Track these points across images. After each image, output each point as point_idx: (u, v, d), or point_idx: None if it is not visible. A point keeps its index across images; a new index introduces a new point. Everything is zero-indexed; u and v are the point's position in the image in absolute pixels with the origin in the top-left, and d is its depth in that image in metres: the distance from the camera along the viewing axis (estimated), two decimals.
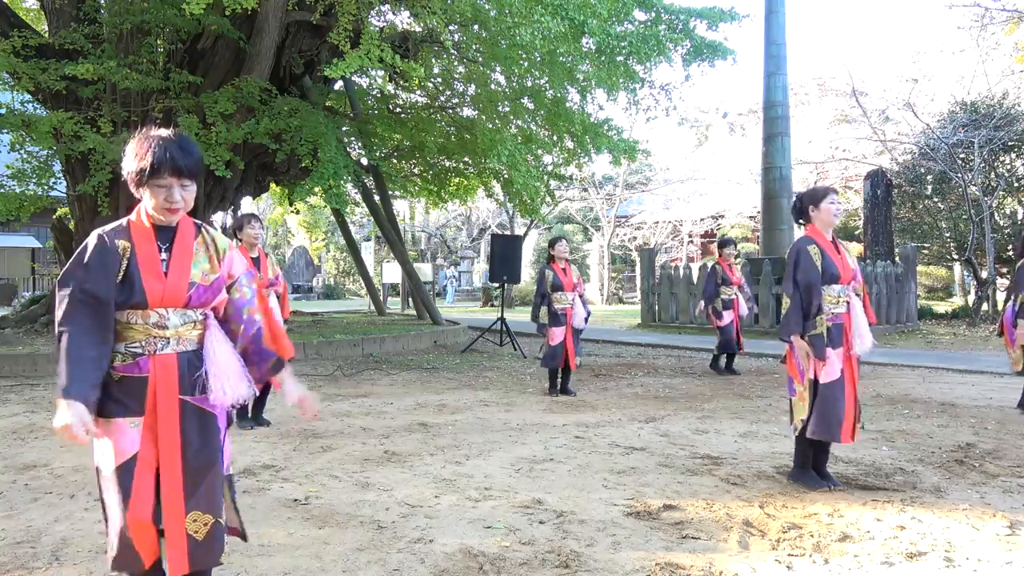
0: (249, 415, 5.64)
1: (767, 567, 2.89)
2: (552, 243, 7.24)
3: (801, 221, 4.07)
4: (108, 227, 2.19)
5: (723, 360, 8.64)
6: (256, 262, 5.33)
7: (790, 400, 4.01)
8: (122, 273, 2.11)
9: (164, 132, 2.18)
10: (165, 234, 2.21)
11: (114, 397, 2.12)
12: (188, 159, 2.14)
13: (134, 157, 2.14)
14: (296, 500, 3.72)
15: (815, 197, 3.98)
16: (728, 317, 8.35)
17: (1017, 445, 4.95)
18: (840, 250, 3.94)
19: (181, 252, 2.21)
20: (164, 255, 2.19)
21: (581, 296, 7.09)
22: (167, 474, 2.13)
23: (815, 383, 3.82)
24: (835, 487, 3.90)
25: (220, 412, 2.28)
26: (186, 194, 2.18)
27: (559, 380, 7.14)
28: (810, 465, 3.95)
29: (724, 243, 8.72)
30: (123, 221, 2.22)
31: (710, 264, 8.89)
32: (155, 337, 2.16)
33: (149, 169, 2.10)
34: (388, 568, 2.86)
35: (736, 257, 9.37)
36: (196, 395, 2.19)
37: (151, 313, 2.15)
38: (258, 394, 5.52)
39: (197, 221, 2.31)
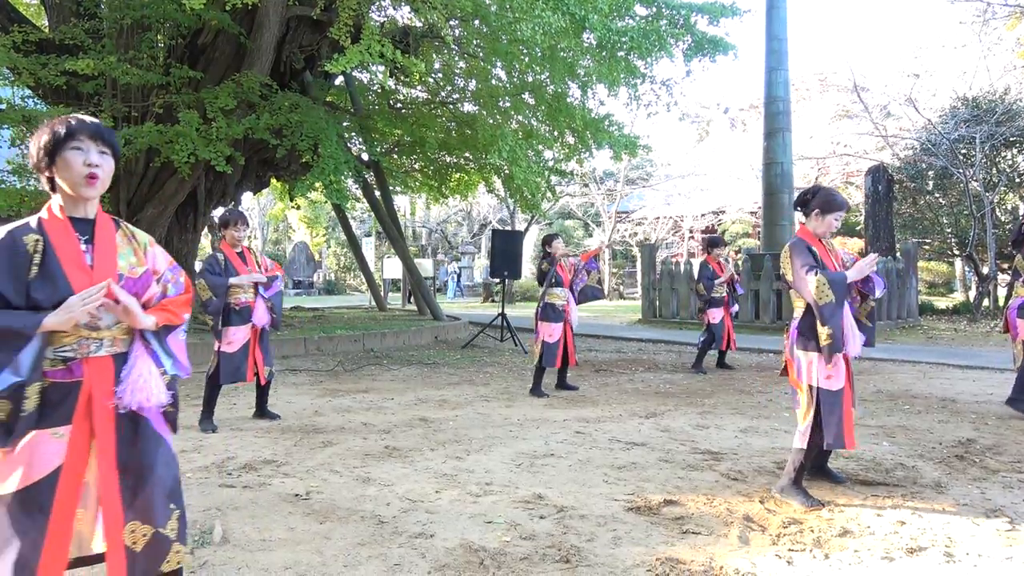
0: (253, 414, 5.68)
1: (767, 562, 2.89)
2: (550, 240, 6.99)
3: (802, 212, 3.79)
4: (13, 224, 2.01)
5: (705, 358, 8.58)
6: (241, 257, 5.38)
7: (796, 412, 3.74)
8: (36, 269, 1.94)
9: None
10: (83, 227, 2.06)
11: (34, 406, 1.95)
12: (103, 127, 2.04)
13: (42, 133, 1.99)
14: (297, 495, 3.73)
15: (830, 205, 3.64)
16: (719, 315, 8.34)
17: (1017, 440, 4.95)
18: (829, 252, 3.76)
19: (104, 243, 2.07)
20: (85, 247, 2.04)
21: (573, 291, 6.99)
22: (104, 484, 2.00)
23: (817, 391, 3.55)
24: (838, 482, 3.90)
25: (155, 416, 2.15)
26: (105, 163, 2.03)
27: (556, 377, 7.13)
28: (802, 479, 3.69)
29: (714, 243, 8.57)
30: (31, 218, 2.04)
31: (697, 262, 8.81)
32: (87, 339, 2.02)
33: (64, 132, 1.96)
34: (389, 563, 2.87)
35: (737, 252, 9.33)
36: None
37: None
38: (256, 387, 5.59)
39: (114, 217, 2.18)
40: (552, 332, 6.80)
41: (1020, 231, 6.10)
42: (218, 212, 12.64)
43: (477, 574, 2.76)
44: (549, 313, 6.83)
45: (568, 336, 6.91)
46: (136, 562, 2.02)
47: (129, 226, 2.20)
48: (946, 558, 2.92)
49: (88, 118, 2.04)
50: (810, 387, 3.57)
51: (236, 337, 5.32)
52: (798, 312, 3.66)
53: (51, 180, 2.04)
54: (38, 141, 2.01)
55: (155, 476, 2.10)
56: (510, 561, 2.88)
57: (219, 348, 5.29)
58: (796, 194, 4.01)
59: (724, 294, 8.42)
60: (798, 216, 4.00)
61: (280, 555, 2.95)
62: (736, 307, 8.70)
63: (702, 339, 8.50)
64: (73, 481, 1.98)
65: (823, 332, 3.45)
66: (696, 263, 15.37)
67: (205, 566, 2.83)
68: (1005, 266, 16.48)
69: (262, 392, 5.63)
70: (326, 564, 2.86)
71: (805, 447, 3.58)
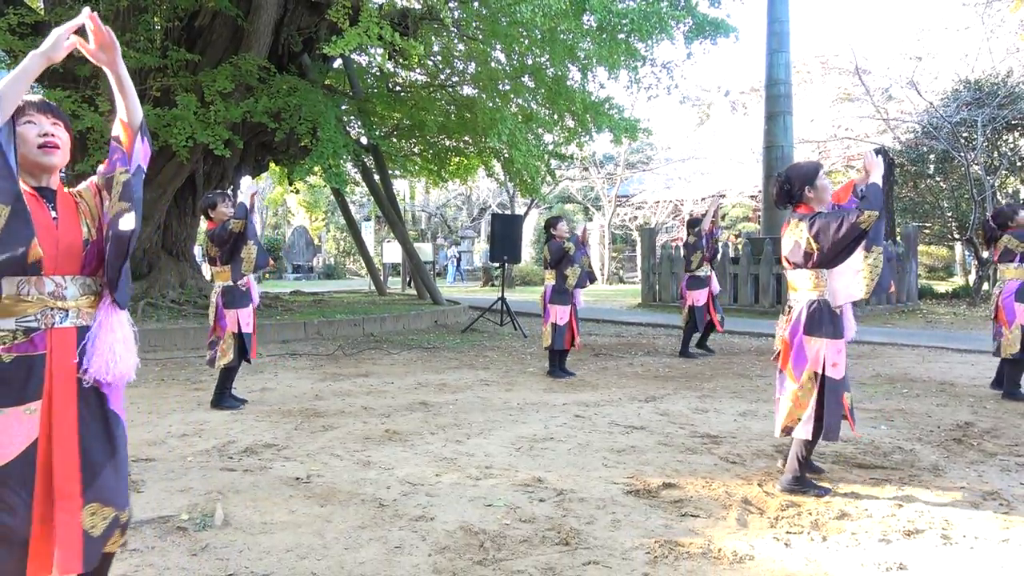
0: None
1: (765, 544, 2.91)
2: (555, 223, 6.98)
3: (790, 204, 3.59)
4: None
5: (693, 342, 8.53)
6: None
7: (779, 400, 3.58)
8: (2, 223, 1.83)
9: None
10: (47, 195, 2.03)
11: (2, 383, 1.89)
12: (50, 102, 2.07)
13: None
14: (298, 478, 3.75)
15: (808, 175, 3.51)
16: (703, 297, 8.23)
17: (1015, 424, 4.98)
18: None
19: (66, 210, 2.04)
20: (53, 213, 2.01)
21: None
22: (62, 463, 1.92)
23: (822, 378, 3.41)
24: (819, 471, 3.79)
25: (116, 392, 2.08)
26: (60, 133, 2.05)
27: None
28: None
29: (694, 223, 8.62)
30: None
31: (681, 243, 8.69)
32: (52, 308, 1.96)
33: (16, 109, 1.93)
34: (389, 545, 2.89)
35: (737, 236, 9.30)
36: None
37: (46, 281, 1.95)
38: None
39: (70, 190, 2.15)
40: (563, 314, 6.84)
41: (992, 220, 6.06)
42: None
43: (477, 556, 2.78)
44: (558, 296, 6.86)
45: (573, 319, 6.92)
46: (91, 547, 1.94)
47: (85, 194, 2.14)
48: (943, 540, 2.94)
49: (33, 96, 2.06)
50: (815, 374, 3.42)
51: (250, 318, 5.44)
52: (803, 296, 3.49)
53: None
54: None
55: (118, 457, 2.04)
56: (510, 544, 2.90)
57: (239, 329, 5.34)
58: (774, 193, 3.66)
59: (708, 273, 8.34)
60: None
61: (281, 538, 2.97)
62: (718, 288, 8.57)
63: (687, 324, 8.40)
64: (45, 459, 1.92)
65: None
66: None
67: (207, 549, 2.84)
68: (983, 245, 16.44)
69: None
70: (327, 547, 2.88)
71: (811, 438, 3.45)
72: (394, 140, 14.53)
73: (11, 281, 1.91)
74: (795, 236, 3.48)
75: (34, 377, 1.93)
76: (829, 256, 3.36)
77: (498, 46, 10.82)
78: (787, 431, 3.52)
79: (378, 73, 13.61)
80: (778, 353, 3.64)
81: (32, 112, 2.03)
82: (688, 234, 8.64)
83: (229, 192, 7.04)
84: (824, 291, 3.46)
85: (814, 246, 3.38)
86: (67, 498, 1.92)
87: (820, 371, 3.41)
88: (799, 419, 3.46)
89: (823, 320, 3.44)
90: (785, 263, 3.63)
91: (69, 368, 1.97)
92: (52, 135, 2.04)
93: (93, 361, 1.98)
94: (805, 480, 3.53)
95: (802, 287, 3.53)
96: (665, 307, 14.93)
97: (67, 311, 1.99)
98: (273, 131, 10.11)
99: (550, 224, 7.03)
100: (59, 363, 1.96)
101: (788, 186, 3.57)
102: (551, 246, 6.91)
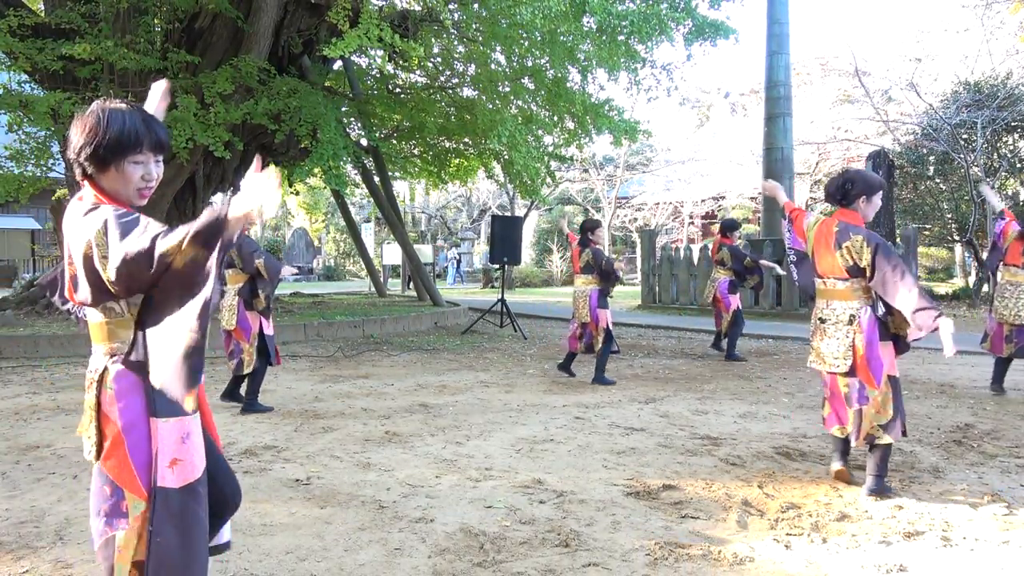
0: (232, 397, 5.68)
1: (766, 546, 2.91)
2: (594, 228, 6.84)
3: (841, 202, 3.62)
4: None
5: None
6: None
7: (860, 410, 3.49)
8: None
9: (124, 103, 1.87)
10: None
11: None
12: (164, 130, 1.90)
13: (97, 131, 1.78)
14: (298, 480, 3.74)
15: (872, 188, 3.56)
16: (737, 300, 8.31)
17: (1015, 426, 4.97)
18: None
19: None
20: None
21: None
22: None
23: (893, 380, 3.52)
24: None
25: None
26: (158, 172, 1.90)
27: (565, 358, 7.13)
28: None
29: (731, 226, 8.59)
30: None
31: (717, 245, 8.59)
32: None
33: (131, 143, 1.79)
34: (389, 547, 2.89)
35: (739, 238, 9.31)
36: None
37: None
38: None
39: None
40: (609, 318, 6.75)
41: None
42: (217, 199, 12.62)
43: (477, 558, 2.78)
44: (604, 299, 6.74)
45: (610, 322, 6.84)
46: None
47: None
48: (943, 542, 2.94)
49: (144, 115, 1.88)
50: (891, 377, 3.50)
51: (270, 321, 5.50)
52: (858, 303, 3.53)
53: (87, 175, 1.86)
54: (90, 136, 1.79)
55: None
56: (510, 545, 2.90)
57: (260, 330, 5.37)
58: (828, 182, 3.74)
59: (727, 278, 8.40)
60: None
61: (281, 539, 2.96)
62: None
63: (733, 328, 8.33)
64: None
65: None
66: (696, 249, 15.39)
67: None
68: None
69: (242, 378, 5.66)
70: (327, 548, 2.88)
71: (901, 437, 3.54)
72: (394, 142, 14.55)
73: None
74: (853, 253, 3.48)
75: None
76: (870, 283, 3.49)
77: (498, 48, 10.83)
78: (869, 438, 3.49)
79: (378, 75, 13.62)
80: (853, 366, 3.53)
81: (146, 151, 1.85)
82: (723, 236, 8.51)
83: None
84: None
85: (864, 266, 3.45)
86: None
87: (895, 374, 3.52)
88: (882, 424, 3.46)
89: (883, 327, 3.53)
90: (831, 271, 3.60)
91: None
92: (150, 183, 1.89)
93: None
94: (887, 485, 3.56)
95: (857, 296, 3.55)
96: (665, 309, 14.94)
97: None
98: (273, 133, 10.12)
99: (588, 228, 6.82)
100: None
101: (849, 186, 3.60)
102: (596, 252, 6.72)
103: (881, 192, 3.60)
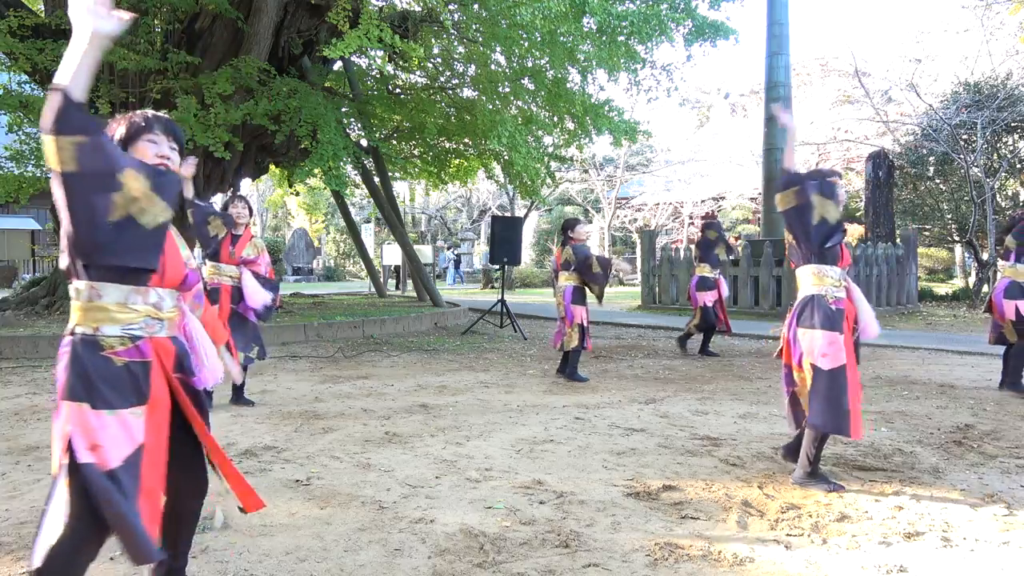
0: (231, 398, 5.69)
1: (766, 547, 2.91)
2: (573, 226, 6.84)
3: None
4: None
5: (688, 343, 8.68)
6: (235, 237, 5.47)
7: (793, 392, 3.67)
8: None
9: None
10: None
11: (114, 385, 1.97)
12: (175, 124, 2.19)
13: (118, 125, 2.13)
14: (298, 481, 3.74)
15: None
16: (712, 298, 8.30)
17: (1015, 426, 4.97)
18: None
19: (169, 233, 2.16)
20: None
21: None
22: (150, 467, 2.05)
23: (815, 369, 3.50)
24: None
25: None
26: (174, 156, 2.15)
27: (562, 360, 7.13)
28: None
29: (710, 226, 8.74)
30: None
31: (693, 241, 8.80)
32: (153, 319, 2.08)
33: (142, 124, 2.10)
34: (389, 548, 2.89)
35: (737, 238, 9.35)
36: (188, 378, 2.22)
37: (151, 293, 2.07)
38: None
39: None
40: (584, 315, 6.81)
41: (1015, 222, 6.14)
42: (216, 199, 12.63)
43: (477, 559, 2.78)
44: (579, 296, 6.79)
45: (585, 320, 6.89)
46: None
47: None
48: (943, 543, 2.94)
49: (161, 114, 2.19)
50: (812, 366, 3.54)
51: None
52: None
53: None
54: (112, 132, 2.11)
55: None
56: (510, 546, 2.90)
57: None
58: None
59: (717, 276, 8.41)
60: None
61: (281, 540, 2.96)
62: (727, 291, 8.74)
63: (692, 323, 8.47)
64: (154, 460, 2.03)
65: None
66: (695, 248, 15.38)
67: (207, 551, 2.84)
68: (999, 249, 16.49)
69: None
70: (327, 549, 2.88)
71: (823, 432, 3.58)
72: (394, 142, 14.55)
73: (121, 285, 2.02)
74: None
75: (139, 382, 2.04)
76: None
77: (498, 48, 10.84)
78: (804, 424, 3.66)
79: (378, 75, 13.63)
80: (781, 349, 3.80)
81: (157, 132, 2.13)
82: (703, 233, 8.65)
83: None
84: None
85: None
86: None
87: (813, 363, 3.56)
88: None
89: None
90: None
91: (169, 373, 2.13)
92: (168, 158, 2.13)
93: (199, 368, 2.26)
94: (817, 474, 3.61)
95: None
96: (665, 309, 14.94)
97: (163, 322, 2.12)
98: (273, 133, 10.12)
99: (568, 226, 6.87)
100: (166, 367, 2.12)
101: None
102: (577, 249, 6.74)
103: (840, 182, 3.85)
